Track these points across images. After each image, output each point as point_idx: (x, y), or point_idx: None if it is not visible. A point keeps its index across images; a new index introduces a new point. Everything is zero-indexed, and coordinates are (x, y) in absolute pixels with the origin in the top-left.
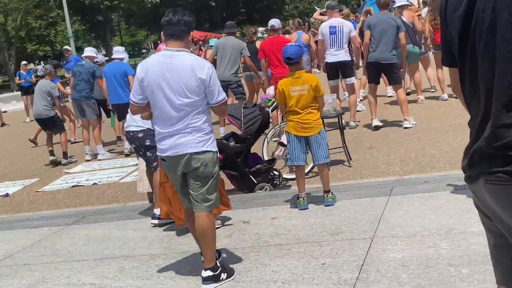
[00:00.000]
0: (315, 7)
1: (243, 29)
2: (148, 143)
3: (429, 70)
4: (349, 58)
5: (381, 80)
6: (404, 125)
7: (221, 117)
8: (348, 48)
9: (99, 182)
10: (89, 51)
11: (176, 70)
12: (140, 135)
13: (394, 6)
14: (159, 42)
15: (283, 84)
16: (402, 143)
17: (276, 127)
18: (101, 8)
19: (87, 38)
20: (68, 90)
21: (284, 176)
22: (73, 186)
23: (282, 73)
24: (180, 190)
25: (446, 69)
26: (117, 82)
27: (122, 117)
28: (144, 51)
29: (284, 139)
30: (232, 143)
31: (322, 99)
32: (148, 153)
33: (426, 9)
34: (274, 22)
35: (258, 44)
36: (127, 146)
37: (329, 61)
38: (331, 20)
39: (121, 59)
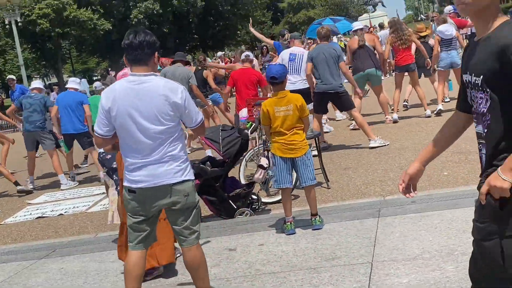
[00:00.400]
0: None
1: (195, 55)
2: (115, 165)
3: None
4: (306, 86)
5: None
6: (370, 145)
7: (201, 136)
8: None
9: (65, 212)
10: (37, 84)
11: (147, 96)
12: (109, 156)
13: (353, 29)
14: (109, 69)
15: (267, 104)
16: (378, 164)
17: (254, 149)
18: (52, 36)
19: (37, 67)
20: (7, 117)
21: (263, 200)
22: (38, 218)
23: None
24: (143, 226)
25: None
26: (72, 112)
27: (72, 146)
28: (95, 78)
29: (263, 161)
30: (209, 168)
31: (307, 119)
32: (115, 176)
33: (382, 32)
34: (249, 52)
35: (205, 73)
36: (101, 174)
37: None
38: (293, 48)
39: (76, 89)
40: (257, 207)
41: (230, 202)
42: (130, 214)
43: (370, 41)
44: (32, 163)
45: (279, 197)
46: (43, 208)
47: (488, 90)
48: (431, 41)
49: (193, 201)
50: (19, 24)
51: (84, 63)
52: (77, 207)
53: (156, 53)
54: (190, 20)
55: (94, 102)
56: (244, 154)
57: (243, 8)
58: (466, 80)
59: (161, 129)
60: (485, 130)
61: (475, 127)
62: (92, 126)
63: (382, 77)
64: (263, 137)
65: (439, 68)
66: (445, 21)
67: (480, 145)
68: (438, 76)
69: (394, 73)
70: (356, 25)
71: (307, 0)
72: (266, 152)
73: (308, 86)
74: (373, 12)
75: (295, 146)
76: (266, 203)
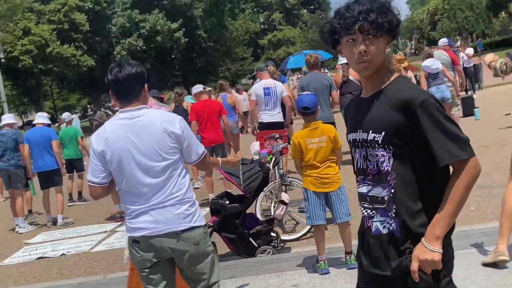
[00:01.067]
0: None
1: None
2: None
3: None
4: (282, 120)
5: None
6: None
7: (206, 170)
8: (281, 109)
9: (67, 252)
10: (8, 118)
11: (144, 131)
12: None
13: (341, 63)
14: (88, 106)
15: (299, 136)
16: None
17: (273, 184)
18: (35, 72)
19: (16, 103)
20: None
21: (282, 237)
22: (38, 258)
23: (212, 137)
24: (156, 278)
25: None
26: (44, 148)
27: (47, 185)
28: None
29: (284, 196)
30: (227, 203)
31: (340, 151)
32: None
33: None
34: (200, 86)
35: (185, 104)
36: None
37: (265, 121)
38: (264, 81)
39: (45, 124)
40: (276, 245)
41: (251, 240)
42: (138, 267)
43: (355, 75)
44: (18, 202)
45: (298, 234)
46: (42, 248)
47: (391, 147)
48: (409, 73)
49: (204, 249)
50: (2, 60)
51: (65, 100)
52: (80, 246)
53: (146, 85)
54: (173, 56)
55: (64, 135)
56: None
57: (225, 45)
58: (358, 139)
59: (164, 164)
60: (392, 191)
61: (368, 191)
62: (69, 164)
63: None
64: (281, 171)
65: None
66: (430, 56)
67: (373, 211)
68: None
69: None
70: (342, 59)
71: (286, 37)
72: (284, 187)
73: (283, 120)
74: None
75: (329, 180)
76: (284, 241)
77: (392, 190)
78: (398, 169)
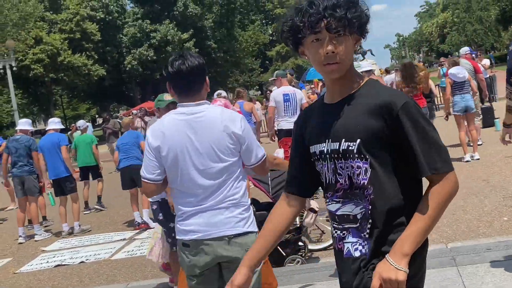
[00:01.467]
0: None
1: None
2: (161, 218)
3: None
4: None
5: None
6: None
7: (264, 175)
8: None
9: (86, 260)
10: (23, 124)
11: (203, 129)
12: (154, 207)
13: (361, 71)
14: (96, 116)
15: None
16: None
17: None
18: (46, 81)
19: (26, 112)
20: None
21: (309, 247)
22: (57, 266)
23: None
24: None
25: None
26: (54, 154)
27: (62, 193)
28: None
29: (314, 204)
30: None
31: None
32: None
33: (387, 77)
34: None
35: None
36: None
37: (284, 128)
38: (283, 88)
39: (56, 130)
40: (303, 254)
41: (279, 248)
42: (186, 272)
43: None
44: (33, 209)
45: (325, 244)
46: (60, 256)
47: (368, 156)
48: (430, 82)
49: None
50: (14, 68)
51: (74, 109)
52: (99, 254)
53: (207, 78)
54: None
55: (79, 142)
56: None
57: (234, 55)
58: (325, 150)
59: (222, 166)
60: (369, 207)
61: (337, 209)
62: (85, 171)
63: None
64: None
65: (454, 113)
66: (456, 63)
67: (344, 232)
68: (456, 122)
69: None
70: (364, 65)
71: None
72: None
73: None
74: (362, 60)
75: None
76: (312, 250)
77: (369, 207)
78: (376, 182)
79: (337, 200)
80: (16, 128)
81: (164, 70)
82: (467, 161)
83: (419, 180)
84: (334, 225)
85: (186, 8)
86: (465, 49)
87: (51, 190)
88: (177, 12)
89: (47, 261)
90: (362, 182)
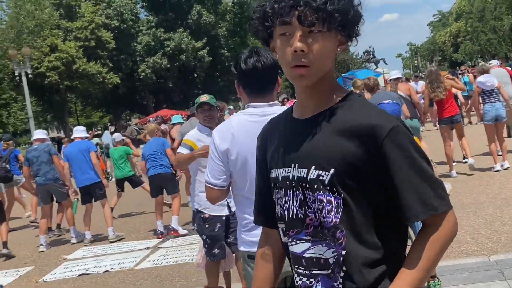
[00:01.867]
0: None
1: None
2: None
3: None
4: None
5: None
6: None
7: None
8: None
9: (111, 269)
10: (39, 133)
11: None
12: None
13: (390, 78)
14: (108, 124)
15: None
16: (460, 220)
17: None
18: (60, 89)
19: (40, 120)
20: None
21: None
22: (81, 275)
23: None
24: None
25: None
26: (83, 162)
27: (90, 199)
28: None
29: None
30: None
31: None
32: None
33: (419, 83)
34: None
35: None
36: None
37: None
38: None
39: (82, 138)
40: None
41: None
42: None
43: (405, 90)
44: (45, 221)
45: None
46: (84, 264)
47: (341, 190)
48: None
49: None
50: (29, 76)
51: (88, 117)
52: (123, 263)
53: (279, 77)
54: (196, 75)
55: (113, 155)
56: None
57: None
58: (290, 177)
59: None
60: (341, 252)
61: (304, 250)
62: (106, 175)
63: (421, 128)
64: None
65: (485, 123)
66: (485, 71)
67: (311, 280)
68: (486, 132)
69: (439, 126)
70: (394, 73)
71: None
72: None
73: None
74: (375, 69)
75: None
76: None
77: (343, 252)
78: (349, 223)
79: (306, 239)
80: (32, 139)
81: (235, 67)
82: (497, 171)
83: (405, 225)
84: (298, 270)
85: (200, 16)
86: (495, 62)
87: (78, 197)
88: (191, 21)
89: (71, 270)
90: (333, 221)
